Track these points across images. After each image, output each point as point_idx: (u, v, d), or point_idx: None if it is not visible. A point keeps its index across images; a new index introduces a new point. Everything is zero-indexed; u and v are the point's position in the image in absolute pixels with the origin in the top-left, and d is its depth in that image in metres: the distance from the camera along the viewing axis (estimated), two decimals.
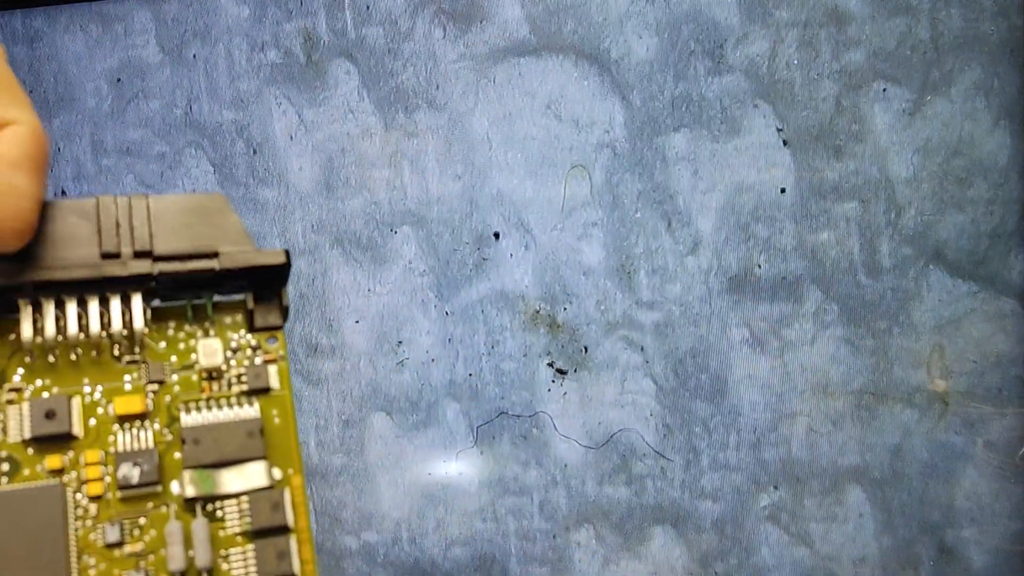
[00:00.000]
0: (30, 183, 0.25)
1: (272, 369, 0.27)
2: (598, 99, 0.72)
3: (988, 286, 0.69)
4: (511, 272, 0.72)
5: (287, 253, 0.26)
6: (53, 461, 0.24)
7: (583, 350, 0.72)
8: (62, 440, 0.25)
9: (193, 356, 0.26)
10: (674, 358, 0.72)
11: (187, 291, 0.27)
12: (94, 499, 0.24)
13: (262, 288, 0.27)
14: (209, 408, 0.26)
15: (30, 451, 0.25)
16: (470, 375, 0.73)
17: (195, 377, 0.26)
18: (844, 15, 0.71)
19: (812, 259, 0.71)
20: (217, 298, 0.27)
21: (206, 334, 0.27)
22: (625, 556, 0.72)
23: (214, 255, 0.26)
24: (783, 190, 0.71)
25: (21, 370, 0.25)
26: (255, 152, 0.74)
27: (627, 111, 0.72)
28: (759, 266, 0.71)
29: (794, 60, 0.71)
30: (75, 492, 0.24)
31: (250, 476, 0.25)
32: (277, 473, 0.26)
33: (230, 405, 0.26)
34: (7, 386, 0.25)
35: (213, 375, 0.26)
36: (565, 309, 0.72)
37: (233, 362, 0.27)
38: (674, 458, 0.72)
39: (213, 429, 0.25)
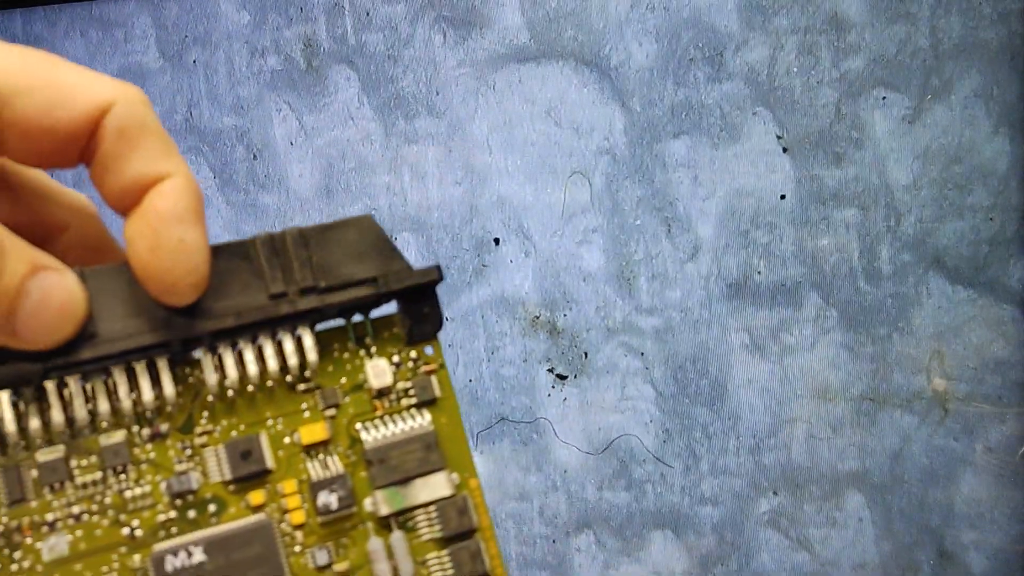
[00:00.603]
0: (197, 235, 0.26)
1: (434, 379, 0.28)
2: (598, 105, 0.72)
3: (987, 292, 0.70)
4: (511, 278, 0.73)
5: (439, 269, 0.28)
6: (256, 497, 0.26)
7: (583, 355, 0.72)
8: (259, 476, 0.26)
9: (361, 376, 0.28)
10: (674, 363, 0.72)
11: (347, 313, 0.28)
12: (298, 527, 0.26)
13: (414, 300, 0.28)
14: (384, 424, 0.27)
15: (231, 488, 0.26)
16: (470, 380, 0.73)
17: (366, 396, 0.28)
18: (844, 22, 0.71)
19: (812, 265, 0.71)
20: (373, 314, 0.29)
21: (368, 353, 0.28)
22: (625, 561, 0.72)
23: (373, 280, 0.27)
24: (783, 196, 0.71)
25: (206, 413, 0.27)
26: (255, 158, 0.74)
27: (627, 117, 0.72)
28: (759, 272, 0.71)
29: (794, 67, 0.71)
30: (279, 523, 0.26)
31: (434, 487, 0.27)
32: (456, 478, 0.27)
33: (403, 419, 0.28)
34: (198, 429, 0.26)
35: (383, 392, 0.28)
36: (565, 315, 0.72)
37: (398, 376, 0.28)
38: (674, 463, 0.72)
39: (394, 447, 0.27)
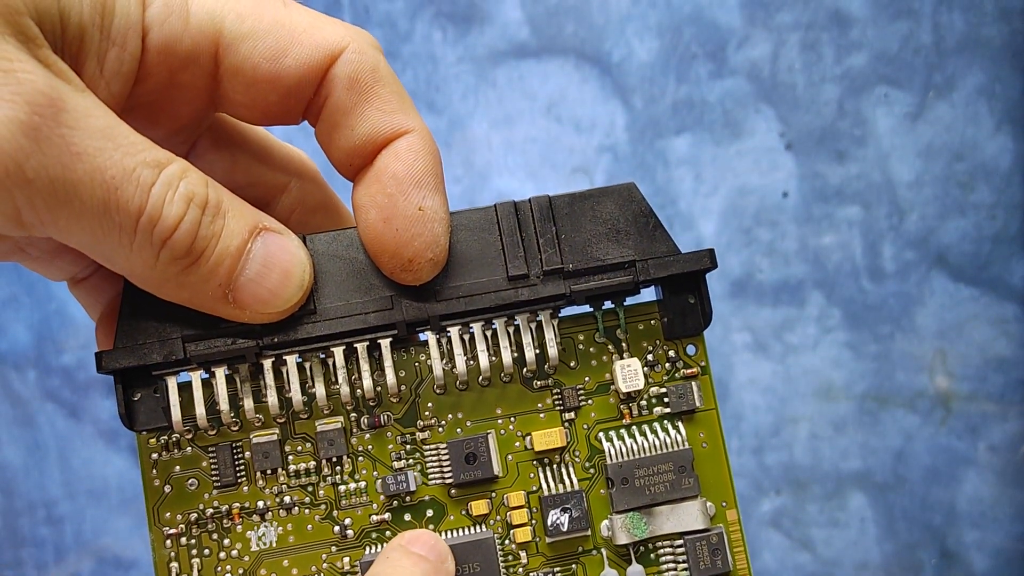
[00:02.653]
0: (438, 203, 0.22)
1: (695, 386, 0.24)
2: (599, 102, 0.72)
3: (990, 290, 0.69)
4: None
5: (712, 255, 0.23)
6: (479, 507, 0.23)
7: None
8: (485, 483, 0.23)
9: (608, 375, 0.24)
10: None
11: (596, 300, 0.24)
12: (523, 545, 0.23)
13: (677, 288, 0.24)
14: (632, 436, 0.24)
15: (453, 494, 0.23)
16: None
17: (612, 400, 0.24)
18: (846, 18, 0.71)
19: (815, 263, 0.70)
20: (628, 300, 0.24)
21: (619, 350, 0.24)
22: None
23: (631, 264, 0.23)
24: (785, 194, 0.71)
25: (431, 404, 0.24)
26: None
27: (628, 114, 0.72)
28: (761, 270, 0.71)
29: (796, 63, 0.71)
30: (503, 538, 0.23)
31: (684, 516, 0.23)
32: (711, 509, 0.23)
33: (654, 432, 0.24)
34: (420, 422, 0.23)
35: (632, 396, 0.24)
36: None
37: (651, 379, 0.24)
38: None
39: (642, 465, 0.23)
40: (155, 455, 0.23)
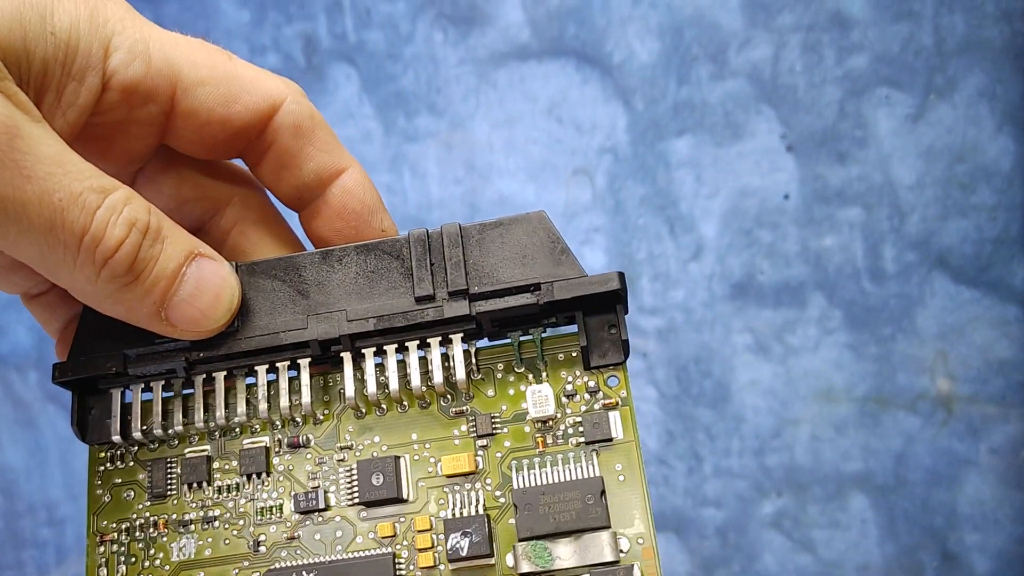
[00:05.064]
0: (389, 219, 0.26)
1: (614, 416, 0.24)
2: (600, 103, 0.72)
3: (992, 292, 0.69)
4: None
5: (621, 277, 0.23)
6: (385, 528, 0.23)
7: None
8: (392, 504, 0.23)
9: (524, 404, 0.24)
10: (676, 364, 0.71)
11: (513, 328, 0.24)
12: (426, 570, 0.23)
13: (595, 317, 0.23)
14: (544, 465, 0.23)
15: (362, 515, 0.23)
16: None
17: (528, 428, 0.24)
18: (847, 20, 0.71)
19: (815, 265, 0.70)
20: (548, 332, 0.24)
21: (538, 378, 0.24)
22: None
23: (536, 287, 0.23)
24: (786, 196, 0.71)
25: (351, 427, 0.24)
26: None
27: (629, 116, 0.72)
28: (762, 272, 0.71)
29: (797, 65, 0.71)
30: (408, 563, 0.23)
31: (592, 548, 0.22)
32: (624, 544, 0.22)
33: (567, 461, 0.23)
34: (338, 444, 0.24)
35: (548, 425, 0.23)
36: None
37: (569, 409, 0.24)
38: (676, 465, 0.71)
39: (547, 492, 0.22)
40: (102, 467, 0.25)
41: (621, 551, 0.22)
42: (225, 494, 0.24)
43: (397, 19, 0.73)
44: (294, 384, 0.24)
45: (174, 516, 0.24)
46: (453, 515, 0.22)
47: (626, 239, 0.71)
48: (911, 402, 0.70)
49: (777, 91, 0.71)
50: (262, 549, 0.23)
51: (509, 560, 0.22)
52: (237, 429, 0.24)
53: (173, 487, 0.24)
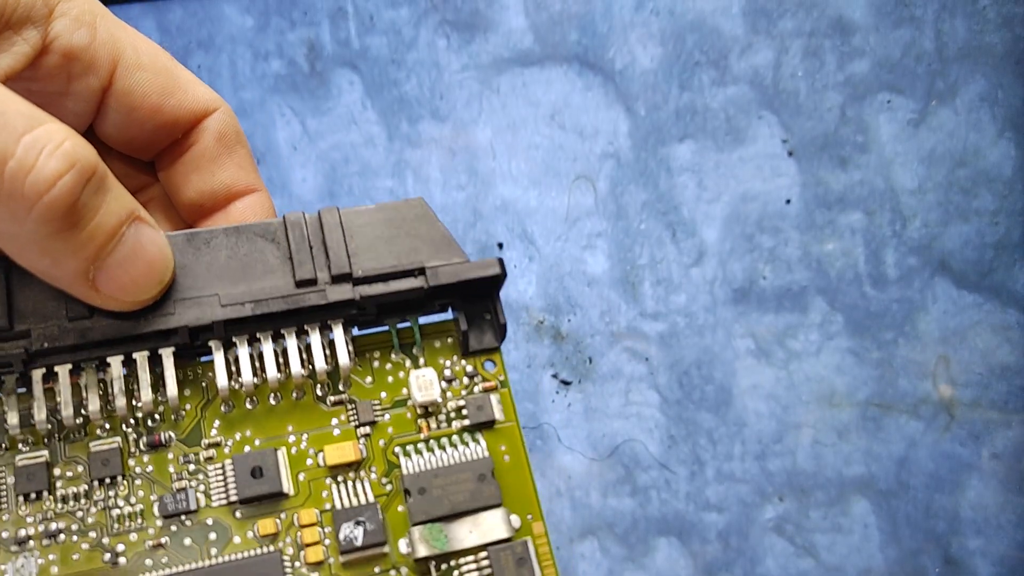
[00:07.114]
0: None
1: (494, 399, 0.23)
2: (602, 109, 0.72)
3: (993, 297, 0.69)
4: (515, 283, 0.72)
5: (501, 263, 0.23)
6: (266, 526, 0.21)
7: (587, 361, 0.72)
8: (272, 500, 0.22)
9: (405, 391, 0.23)
10: (679, 369, 0.71)
11: (391, 315, 0.23)
12: (314, 566, 0.21)
13: (472, 304, 0.23)
14: (430, 450, 0.23)
15: (238, 515, 0.22)
16: None
17: (409, 415, 0.23)
18: (848, 25, 0.71)
19: (817, 270, 0.70)
20: (422, 320, 0.24)
21: (416, 364, 0.23)
22: (629, 568, 0.72)
23: (420, 271, 0.22)
24: (788, 200, 0.71)
25: (218, 422, 0.22)
26: (258, 162, 0.74)
27: (631, 121, 0.72)
28: (764, 277, 0.71)
29: (799, 70, 0.71)
30: (293, 560, 0.21)
31: (487, 527, 0.22)
32: (516, 521, 0.22)
33: (453, 444, 0.23)
34: (205, 441, 0.22)
35: (430, 410, 0.23)
36: (569, 320, 0.72)
37: (449, 393, 0.23)
38: (678, 469, 0.71)
39: (439, 475, 0.22)
40: None
41: (514, 528, 0.22)
42: (72, 503, 0.21)
43: (400, 25, 0.74)
44: (154, 377, 0.22)
45: (6, 533, 0.21)
46: (342, 506, 0.22)
47: (628, 244, 0.72)
48: (913, 407, 0.70)
49: (779, 96, 0.71)
50: (122, 560, 0.21)
51: (403, 547, 0.22)
52: (83, 430, 0.22)
53: (4, 501, 0.21)
